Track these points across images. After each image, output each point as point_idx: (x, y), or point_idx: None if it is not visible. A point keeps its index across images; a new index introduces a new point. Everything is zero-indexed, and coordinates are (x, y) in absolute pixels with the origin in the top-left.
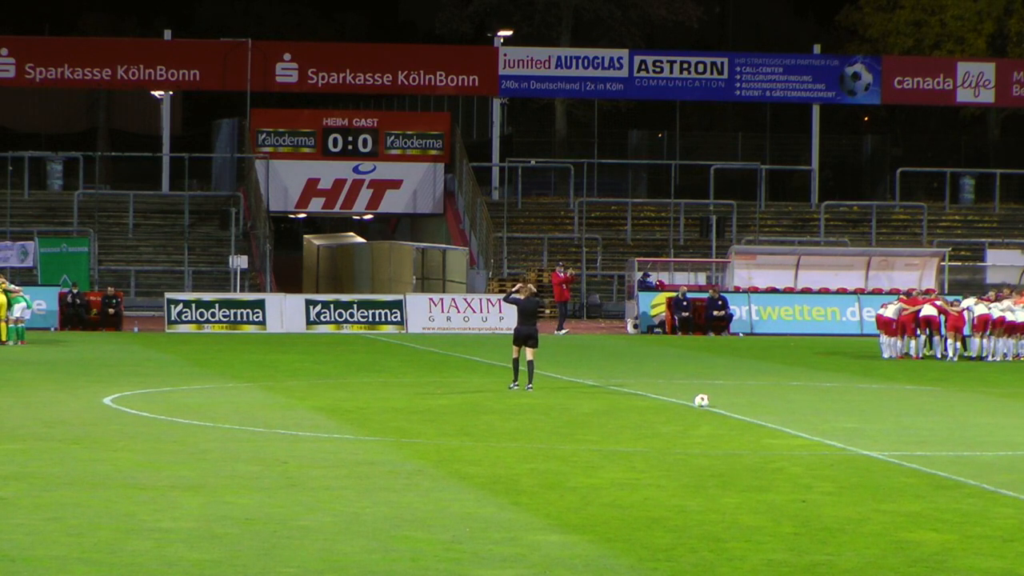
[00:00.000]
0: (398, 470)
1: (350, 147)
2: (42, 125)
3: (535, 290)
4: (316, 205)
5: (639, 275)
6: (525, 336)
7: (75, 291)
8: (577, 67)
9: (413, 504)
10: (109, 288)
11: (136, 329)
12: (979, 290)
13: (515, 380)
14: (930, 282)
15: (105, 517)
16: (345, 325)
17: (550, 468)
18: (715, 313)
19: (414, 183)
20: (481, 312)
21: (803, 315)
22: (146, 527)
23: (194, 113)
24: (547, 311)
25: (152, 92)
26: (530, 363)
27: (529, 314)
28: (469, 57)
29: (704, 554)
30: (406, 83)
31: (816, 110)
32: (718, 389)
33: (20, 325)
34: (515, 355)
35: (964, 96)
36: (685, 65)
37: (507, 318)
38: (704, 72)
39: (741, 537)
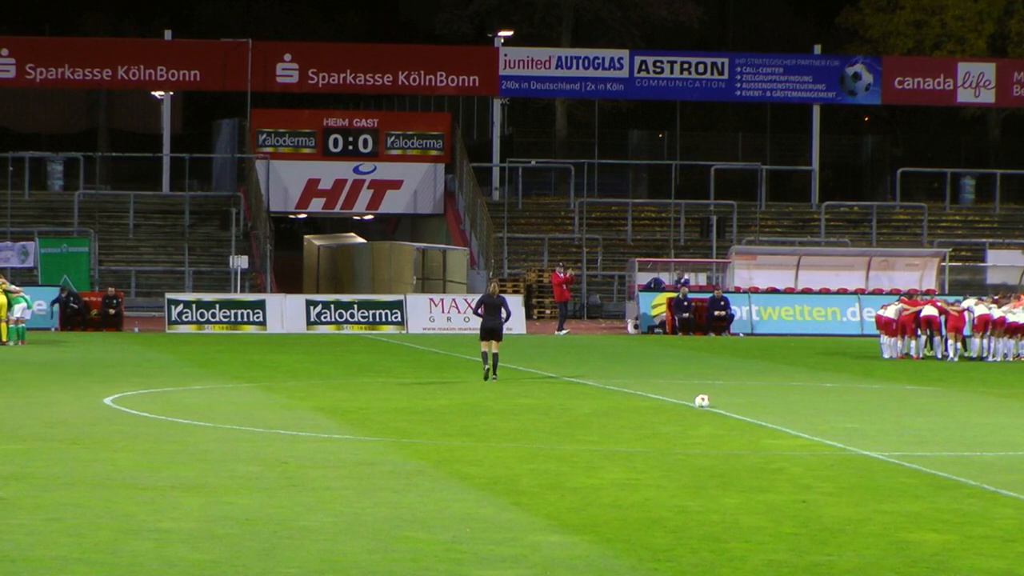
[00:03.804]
0: (398, 470)
1: (350, 147)
2: (42, 125)
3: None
4: (316, 205)
5: (651, 277)
6: (490, 330)
7: (66, 293)
8: (577, 67)
9: (413, 504)
10: (110, 288)
11: (136, 329)
12: (979, 291)
13: (487, 370)
14: (930, 282)
15: (105, 517)
16: (345, 325)
17: (550, 468)
18: (716, 314)
19: (414, 183)
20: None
21: (803, 315)
22: (146, 527)
23: (194, 113)
24: (547, 311)
25: (152, 92)
26: (495, 355)
27: (493, 309)
28: (469, 57)
29: (704, 554)
30: (406, 83)
31: (816, 110)
32: (718, 389)
33: (21, 325)
34: (484, 348)
35: (964, 96)
36: (685, 65)
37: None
38: (704, 72)
39: (741, 537)
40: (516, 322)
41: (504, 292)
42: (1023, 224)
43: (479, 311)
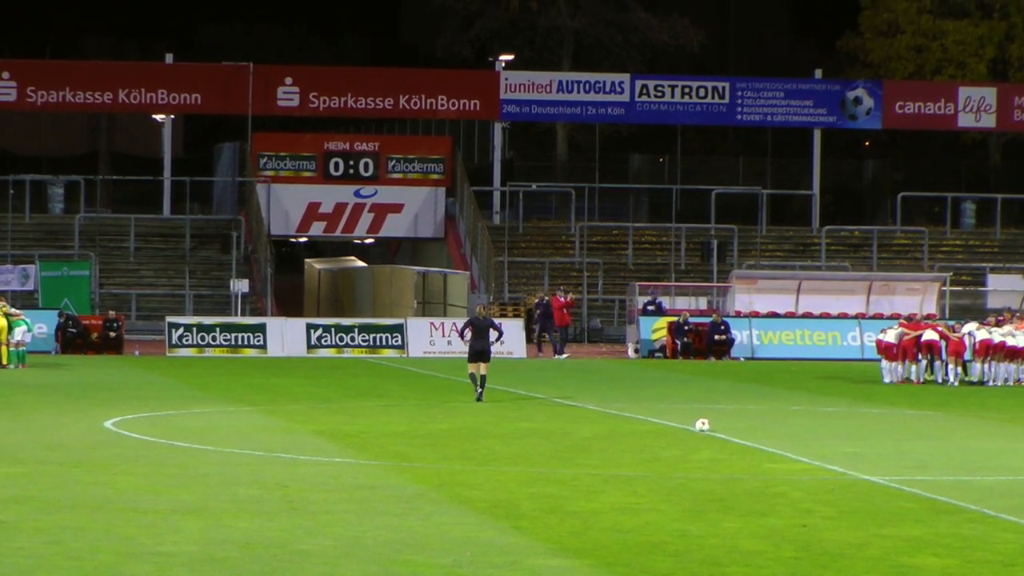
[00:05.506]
0: (399, 494)
1: (351, 171)
2: (43, 149)
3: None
4: (317, 229)
5: (647, 299)
6: (479, 351)
7: (65, 318)
8: (578, 91)
9: (414, 528)
10: (110, 312)
11: (137, 353)
12: (980, 315)
13: (479, 392)
14: (931, 307)
15: (105, 540)
16: (346, 349)
17: (551, 492)
18: (717, 338)
19: (415, 207)
20: None
21: (804, 340)
22: (146, 551)
23: (195, 137)
24: (547, 336)
25: (153, 116)
26: (483, 376)
27: (481, 331)
28: (470, 81)
29: None
30: (407, 107)
31: (817, 134)
32: (719, 413)
33: (21, 348)
34: (471, 371)
35: (965, 121)
36: (686, 89)
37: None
38: (705, 96)
39: (742, 561)
40: (516, 346)
41: (504, 316)
42: None
43: (465, 333)
